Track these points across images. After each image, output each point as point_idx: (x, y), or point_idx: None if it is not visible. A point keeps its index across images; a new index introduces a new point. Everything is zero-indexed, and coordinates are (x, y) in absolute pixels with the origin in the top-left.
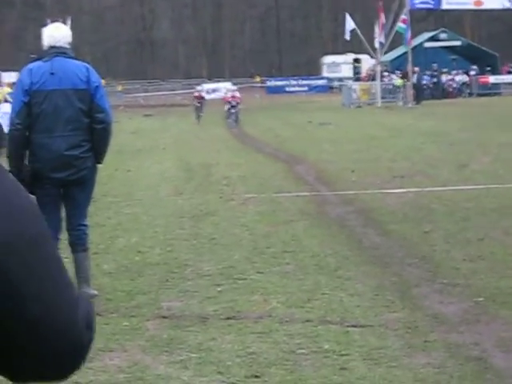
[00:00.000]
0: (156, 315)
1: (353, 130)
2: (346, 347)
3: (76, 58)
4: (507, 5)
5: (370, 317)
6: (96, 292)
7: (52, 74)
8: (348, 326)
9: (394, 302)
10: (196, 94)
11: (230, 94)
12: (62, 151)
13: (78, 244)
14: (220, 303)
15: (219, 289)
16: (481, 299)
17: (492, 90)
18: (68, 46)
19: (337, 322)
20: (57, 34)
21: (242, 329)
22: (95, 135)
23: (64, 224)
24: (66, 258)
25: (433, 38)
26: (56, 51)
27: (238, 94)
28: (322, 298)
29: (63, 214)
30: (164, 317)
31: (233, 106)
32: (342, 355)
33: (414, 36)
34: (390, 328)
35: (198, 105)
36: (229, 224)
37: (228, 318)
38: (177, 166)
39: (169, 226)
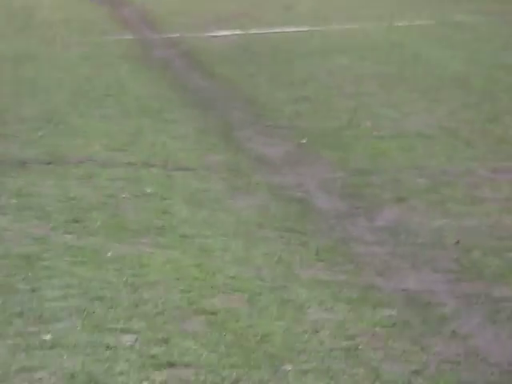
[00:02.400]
0: None
1: None
2: (169, 190)
3: None
4: None
5: (193, 160)
6: None
7: None
8: (171, 170)
9: (217, 145)
10: None
11: None
12: None
13: None
14: (41, 147)
15: (40, 133)
16: (304, 141)
17: None
18: None
19: (159, 165)
20: None
21: (62, 173)
22: None
23: None
24: None
25: None
26: None
27: None
28: (144, 142)
29: None
30: None
31: None
32: (165, 199)
33: None
34: (212, 170)
35: None
36: (51, 67)
37: (49, 163)
38: None
39: None
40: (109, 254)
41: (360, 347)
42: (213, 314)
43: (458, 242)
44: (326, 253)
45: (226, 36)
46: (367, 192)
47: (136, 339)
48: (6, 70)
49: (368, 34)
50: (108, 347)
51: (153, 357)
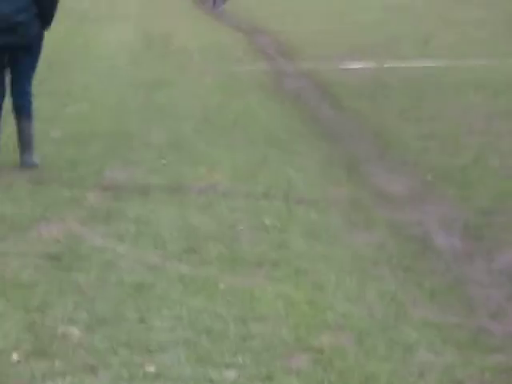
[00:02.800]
0: (98, 186)
1: (319, 3)
2: (287, 223)
3: None
4: None
5: (315, 192)
6: (38, 160)
7: None
8: (291, 202)
9: (340, 179)
10: None
11: None
12: (9, 14)
13: (22, 110)
14: (164, 175)
15: (164, 160)
16: (429, 177)
17: None
18: None
19: (280, 196)
20: None
21: (183, 201)
22: (40, 1)
23: (8, 90)
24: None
25: None
26: None
27: None
28: (268, 172)
29: (8, 79)
30: (106, 187)
31: None
32: (282, 231)
33: None
34: (333, 204)
35: None
36: (182, 95)
37: (170, 190)
38: (137, 34)
39: (121, 96)
40: (221, 286)
41: None
42: (319, 351)
43: None
44: (440, 294)
45: (359, 68)
46: (488, 232)
47: (239, 375)
48: (139, 96)
49: (505, 70)
50: (211, 381)
51: None
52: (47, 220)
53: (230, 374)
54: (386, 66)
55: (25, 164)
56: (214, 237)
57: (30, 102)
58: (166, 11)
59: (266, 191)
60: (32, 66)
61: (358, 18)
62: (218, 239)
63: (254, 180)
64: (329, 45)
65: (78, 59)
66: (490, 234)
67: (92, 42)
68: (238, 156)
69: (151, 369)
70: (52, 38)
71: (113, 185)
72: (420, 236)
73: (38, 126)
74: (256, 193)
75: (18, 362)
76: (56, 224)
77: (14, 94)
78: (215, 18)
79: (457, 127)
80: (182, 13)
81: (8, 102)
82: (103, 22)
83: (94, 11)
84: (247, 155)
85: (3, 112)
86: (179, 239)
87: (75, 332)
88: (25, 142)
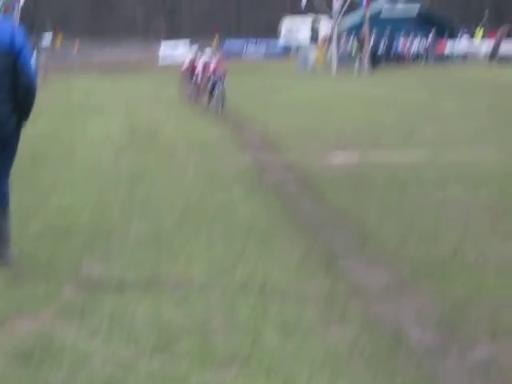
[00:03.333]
0: (74, 280)
1: (305, 95)
2: (262, 317)
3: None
4: None
5: (291, 286)
6: (14, 255)
7: None
8: (267, 296)
9: (317, 272)
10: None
11: (213, 62)
12: None
13: None
14: (141, 269)
15: (143, 254)
16: (406, 271)
17: (448, 58)
18: None
19: (256, 290)
20: None
21: (158, 297)
22: (19, 96)
23: None
24: None
25: (391, 1)
26: None
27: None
28: (245, 266)
29: None
30: (82, 282)
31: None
32: (256, 326)
33: (372, 0)
34: (309, 298)
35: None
36: (165, 188)
37: (146, 285)
38: (123, 127)
39: (104, 188)
40: (192, 382)
41: None
42: None
43: None
44: None
45: (342, 160)
46: (463, 327)
47: None
48: (121, 190)
49: (487, 163)
50: None
51: None
52: (21, 316)
53: None
54: (367, 158)
55: (0, 259)
56: (187, 332)
57: (5, 194)
58: (154, 105)
59: (242, 285)
60: (9, 160)
61: (341, 110)
62: (191, 335)
63: (230, 274)
64: (314, 134)
65: (63, 152)
66: (466, 328)
67: (77, 134)
68: (217, 250)
69: None
70: (37, 131)
71: (89, 279)
72: (394, 330)
73: (17, 218)
74: (232, 287)
75: None
76: (29, 320)
77: None
78: (202, 112)
79: (436, 220)
80: (168, 106)
81: None
82: (89, 115)
83: (81, 104)
84: (225, 249)
85: None
86: (152, 335)
87: None
88: (0, 237)
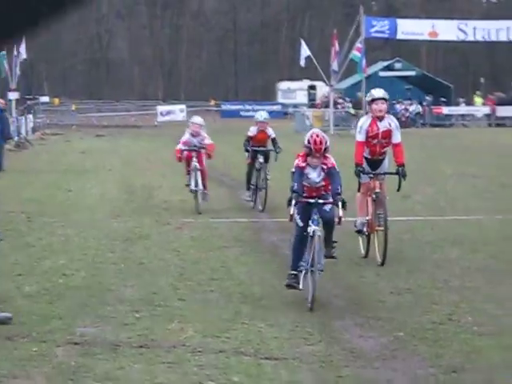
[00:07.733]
0: (67, 341)
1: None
2: (256, 380)
3: None
4: (462, 37)
5: (286, 349)
6: (10, 315)
7: None
8: (261, 358)
9: (312, 335)
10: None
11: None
12: None
13: None
14: (135, 330)
15: (137, 315)
16: (401, 334)
17: (445, 121)
18: None
19: (251, 353)
20: None
21: (152, 358)
22: None
23: None
24: None
25: (388, 68)
26: None
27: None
28: (240, 328)
29: None
30: (75, 343)
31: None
32: None
33: (369, 64)
34: (304, 361)
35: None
36: (160, 249)
37: (140, 347)
38: (119, 187)
39: (99, 249)
40: None
41: None
42: None
43: None
44: None
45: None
46: None
47: None
48: (116, 250)
49: (481, 226)
50: None
51: None
52: (14, 377)
53: None
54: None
55: None
56: None
57: None
58: (150, 165)
59: (236, 347)
60: None
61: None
62: None
63: (225, 336)
64: None
65: (60, 211)
66: None
67: (74, 194)
68: (211, 311)
69: None
70: (33, 192)
71: (83, 340)
72: None
73: (13, 280)
74: (226, 349)
75: None
76: (22, 381)
77: None
78: None
79: (432, 283)
80: (164, 167)
81: None
82: (87, 174)
83: (79, 163)
84: (220, 310)
85: None
86: None
87: None
88: None
